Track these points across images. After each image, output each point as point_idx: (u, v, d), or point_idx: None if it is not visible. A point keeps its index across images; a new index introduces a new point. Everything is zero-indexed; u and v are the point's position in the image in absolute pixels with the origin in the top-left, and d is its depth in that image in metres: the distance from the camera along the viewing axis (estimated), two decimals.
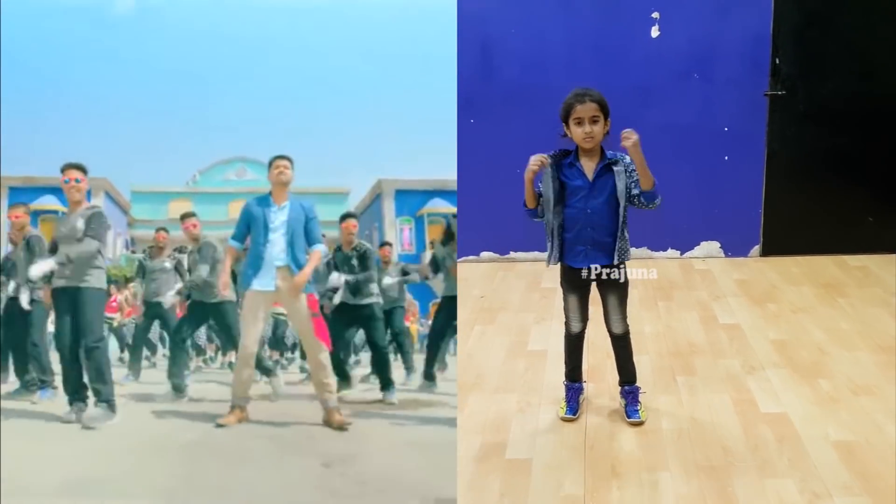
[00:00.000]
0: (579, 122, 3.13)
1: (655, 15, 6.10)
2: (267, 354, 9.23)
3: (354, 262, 5.31)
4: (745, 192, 6.27)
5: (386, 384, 5.10)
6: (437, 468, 2.85)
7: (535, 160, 3.12)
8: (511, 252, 6.40)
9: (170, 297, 5.90)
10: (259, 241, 4.07)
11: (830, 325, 4.60)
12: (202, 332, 8.47)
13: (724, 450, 3.12)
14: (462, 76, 6.11)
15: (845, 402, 3.54)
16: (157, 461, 3.13)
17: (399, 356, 6.64)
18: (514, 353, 4.31)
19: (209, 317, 5.39)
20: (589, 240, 3.22)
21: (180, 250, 6.60)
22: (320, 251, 4.19)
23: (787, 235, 6.27)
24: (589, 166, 3.19)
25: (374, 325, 5.30)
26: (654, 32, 6.12)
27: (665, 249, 6.39)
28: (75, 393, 4.08)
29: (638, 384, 3.48)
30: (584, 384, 3.59)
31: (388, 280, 5.92)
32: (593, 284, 3.34)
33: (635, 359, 4.03)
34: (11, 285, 5.10)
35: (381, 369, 5.24)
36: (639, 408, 3.40)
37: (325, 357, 4.12)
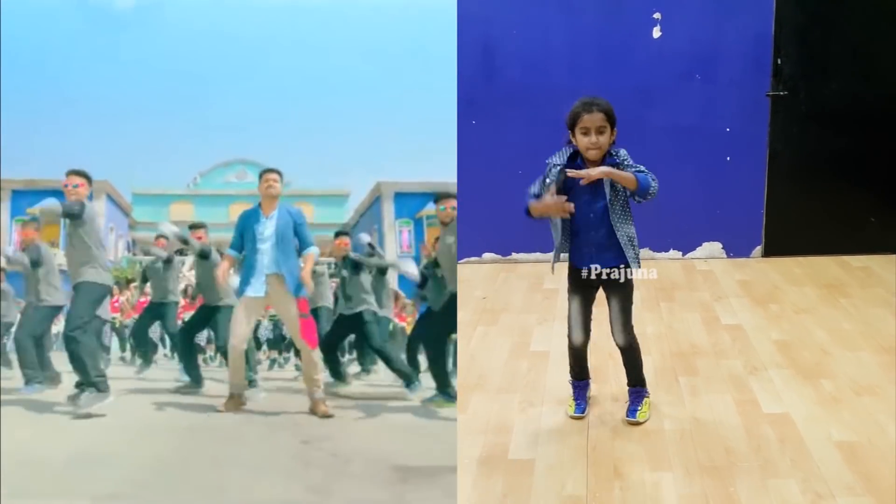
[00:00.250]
0: (586, 132, 3.11)
1: (657, 15, 6.10)
2: (265, 354, 9.37)
3: (345, 271, 5.81)
4: (747, 192, 6.26)
5: (405, 380, 5.43)
6: (403, 445, 3.36)
7: (558, 210, 3.09)
8: (513, 253, 6.40)
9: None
10: (251, 252, 4.47)
11: (833, 326, 4.60)
12: (202, 332, 8.55)
13: (727, 450, 3.12)
14: (464, 77, 6.11)
15: (848, 403, 3.53)
16: (160, 440, 3.60)
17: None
18: (517, 354, 4.31)
19: (214, 318, 5.71)
20: (594, 242, 3.21)
21: (180, 252, 6.65)
22: (313, 253, 4.50)
23: (789, 236, 6.27)
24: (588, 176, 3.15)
25: (369, 330, 5.73)
26: (656, 33, 6.12)
27: (667, 250, 6.39)
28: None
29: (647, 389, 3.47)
30: (591, 382, 3.59)
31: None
32: (599, 293, 3.32)
33: None
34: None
35: (392, 368, 5.59)
36: (639, 408, 3.39)
37: (316, 354, 4.50)
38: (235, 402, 4.52)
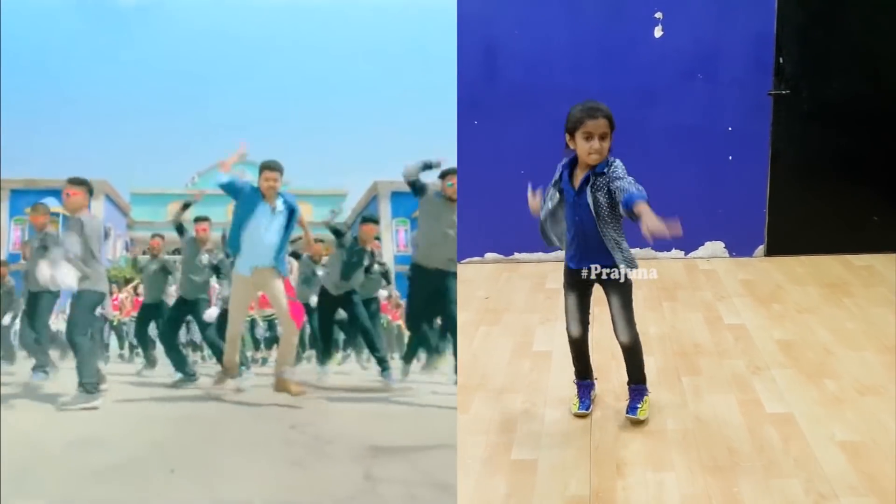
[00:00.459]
0: (588, 138, 3.07)
1: (658, 15, 6.10)
2: (261, 353, 9.40)
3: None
4: (750, 192, 6.26)
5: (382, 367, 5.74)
6: (377, 428, 3.68)
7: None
8: (515, 253, 6.40)
9: (213, 311, 6.09)
10: (252, 236, 4.56)
11: (836, 325, 4.59)
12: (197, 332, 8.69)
13: (730, 450, 3.11)
14: (466, 78, 6.11)
15: (851, 403, 3.53)
16: (158, 426, 3.92)
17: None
18: (519, 354, 4.31)
19: (194, 311, 5.95)
20: (582, 245, 3.21)
21: (176, 252, 6.72)
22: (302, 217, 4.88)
23: (791, 235, 6.27)
24: (577, 177, 3.17)
25: (358, 311, 5.94)
26: (658, 33, 6.12)
27: (669, 250, 6.39)
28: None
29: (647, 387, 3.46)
30: (595, 381, 3.59)
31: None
32: (596, 288, 3.33)
33: None
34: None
35: (372, 351, 5.90)
36: (640, 406, 3.38)
37: (295, 337, 4.79)
38: (228, 373, 4.78)
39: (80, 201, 4.57)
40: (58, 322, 7.70)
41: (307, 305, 6.62)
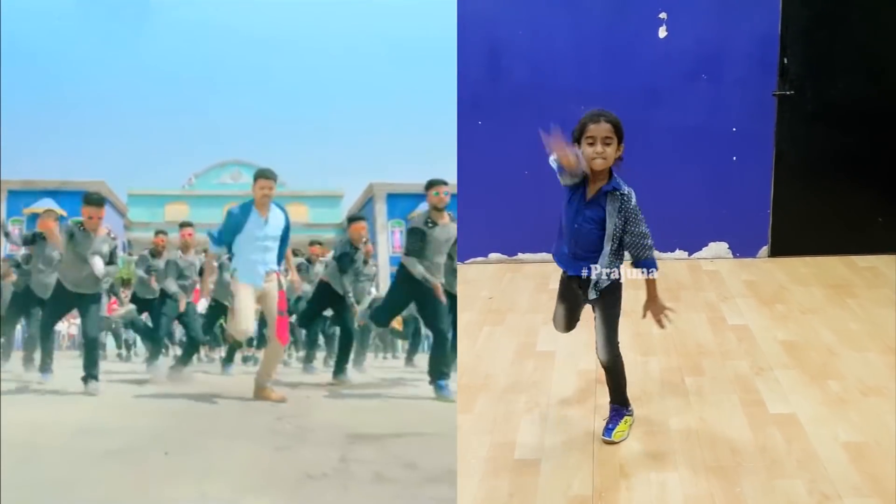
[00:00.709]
0: (592, 142, 3.03)
1: (663, 15, 6.10)
2: (249, 350, 9.43)
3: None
4: (754, 192, 6.26)
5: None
6: (357, 421, 3.86)
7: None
8: (519, 253, 6.40)
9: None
10: (247, 247, 4.54)
11: (839, 326, 4.59)
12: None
13: (733, 450, 3.12)
14: (470, 78, 6.12)
15: (854, 403, 3.53)
16: (154, 416, 4.17)
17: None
18: (523, 354, 4.31)
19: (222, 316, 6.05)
20: (571, 251, 3.16)
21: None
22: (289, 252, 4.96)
23: (795, 236, 6.26)
24: (591, 188, 3.09)
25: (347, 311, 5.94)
26: (662, 33, 6.12)
27: (673, 250, 6.39)
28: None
29: (631, 407, 3.37)
30: None
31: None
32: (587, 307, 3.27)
33: (643, 359, 4.04)
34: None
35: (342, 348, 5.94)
36: (616, 427, 3.26)
37: (281, 354, 4.98)
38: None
39: (98, 221, 4.96)
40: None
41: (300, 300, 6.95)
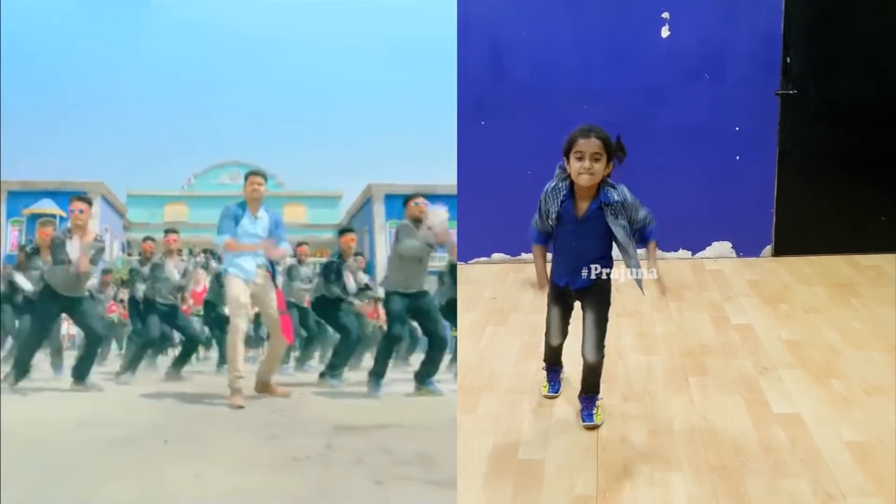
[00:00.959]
0: (580, 157, 3.00)
1: (665, 15, 6.10)
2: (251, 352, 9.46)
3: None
4: (757, 192, 6.25)
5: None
6: (346, 415, 4.13)
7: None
8: (522, 253, 6.40)
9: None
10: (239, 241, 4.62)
11: (843, 325, 4.59)
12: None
13: (737, 450, 3.12)
14: (473, 78, 6.13)
15: (858, 403, 3.53)
16: (155, 410, 4.52)
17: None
18: (526, 354, 4.32)
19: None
20: (571, 268, 3.20)
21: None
22: (285, 249, 4.91)
23: (799, 235, 6.26)
24: (581, 206, 3.10)
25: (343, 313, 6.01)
26: (665, 33, 6.11)
27: (676, 250, 6.39)
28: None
29: (601, 395, 3.44)
30: (563, 366, 3.73)
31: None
32: (577, 305, 3.34)
33: (646, 359, 4.06)
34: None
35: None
36: (594, 411, 3.36)
37: (284, 349, 5.06)
38: (237, 393, 4.51)
39: (87, 217, 5.12)
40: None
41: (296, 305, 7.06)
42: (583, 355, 3.31)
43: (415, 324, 6.19)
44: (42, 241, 5.67)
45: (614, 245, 3.19)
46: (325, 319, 6.21)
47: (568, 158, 3.06)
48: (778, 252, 6.31)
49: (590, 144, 2.99)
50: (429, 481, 2.65)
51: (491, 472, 3.03)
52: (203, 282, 7.65)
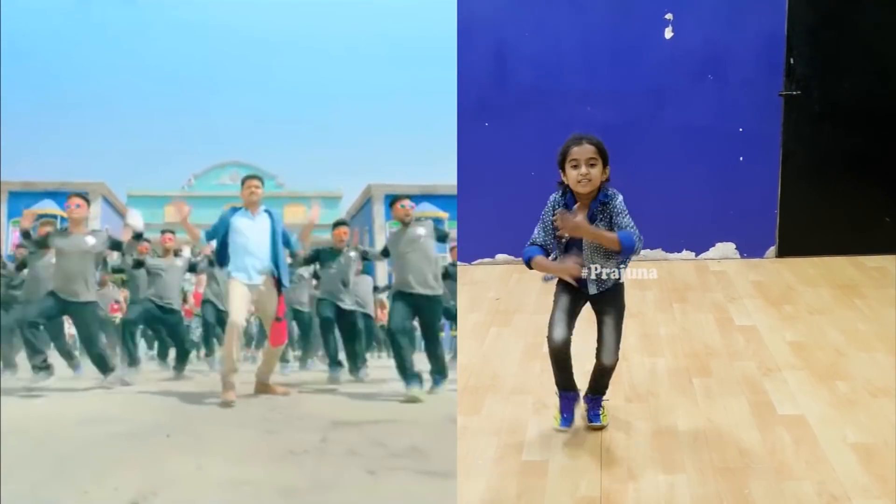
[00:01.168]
0: (575, 165, 3.00)
1: (669, 16, 6.10)
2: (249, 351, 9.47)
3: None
4: (761, 192, 6.25)
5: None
6: (341, 411, 4.27)
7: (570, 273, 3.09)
8: None
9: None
10: (239, 244, 4.68)
11: (848, 327, 4.58)
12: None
13: (741, 452, 3.11)
14: (476, 80, 6.13)
15: (863, 404, 3.52)
16: (157, 407, 4.64)
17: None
18: (530, 355, 4.31)
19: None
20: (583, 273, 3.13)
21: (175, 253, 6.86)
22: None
23: (803, 236, 6.25)
24: (582, 214, 3.03)
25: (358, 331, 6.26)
26: (668, 34, 6.11)
27: (680, 251, 6.38)
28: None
29: (607, 396, 3.40)
30: (580, 392, 3.35)
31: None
32: (586, 307, 3.25)
33: (650, 360, 4.05)
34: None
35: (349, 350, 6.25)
36: (600, 412, 3.35)
37: (277, 353, 5.09)
38: (229, 388, 4.54)
39: (85, 212, 5.23)
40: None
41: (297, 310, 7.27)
42: (599, 359, 3.23)
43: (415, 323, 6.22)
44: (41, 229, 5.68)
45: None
46: (331, 316, 6.19)
47: (564, 170, 3.06)
48: (782, 253, 6.30)
49: (583, 151, 3.00)
50: (420, 471, 2.71)
51: (495, 474, 3.03)
52: (203, 283, 7.68)
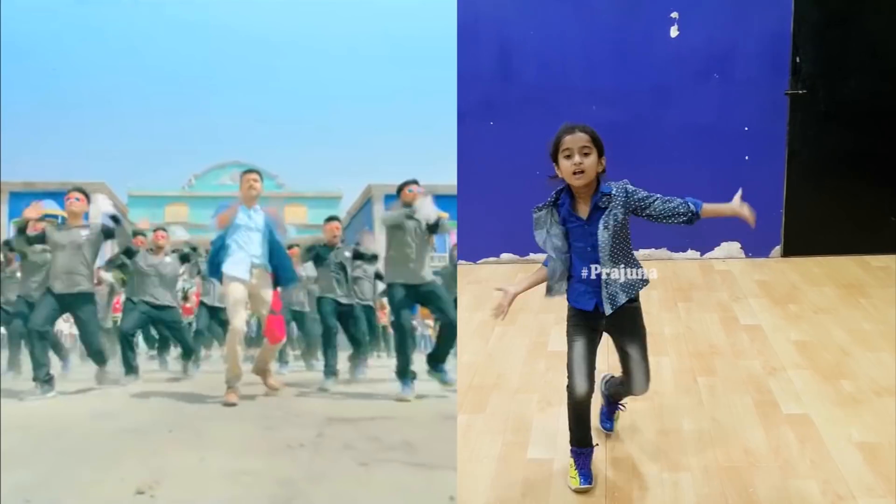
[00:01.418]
0: (569, 155, 2.76)
1: (674, 15, 6.09)
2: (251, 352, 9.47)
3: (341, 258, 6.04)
4: (766, 192, 6.24)
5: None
6: (337, 409, 4.46)
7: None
8: (531, 253, 6.39)
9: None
10: (234, 238, 4.65)
11: (852, 326, 4.57)
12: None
13: (746, 451, 3.12)
14: (481, 79, 6.14)
15: (868, 404, 3.52)
16: (159, 404, 4.83)
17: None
18: (535, 354, 4.33)
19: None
20: (594, 280, 2.82)
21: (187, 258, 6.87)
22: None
23: (808, 236, 6.24)
24: (583, 209, 2.82)
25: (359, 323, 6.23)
26: (674, 32, 6.11)
27: (685, 250, 6.38)
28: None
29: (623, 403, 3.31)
30: (596, 446, 3.00)
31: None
32: (604, 338, 2.94)
33: (655, 359, 4.04)
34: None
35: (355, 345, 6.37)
36: (614, 418, 3.33)
37: (273, 349, 5.16)
38: (233, 390, 4.61)
39: (84, 206, 5.28)
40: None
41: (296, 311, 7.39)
42: (629, 391, 3.00)
43: (415, 323, 6.25)
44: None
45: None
46: (330, 314, 6.18)
47: (556, 161, 2.83)
48: (787, 252, 6.30)
49: (576, 139, 2.77)
50: (412, 463, 2.81)
51: (500, 472, 3.04)
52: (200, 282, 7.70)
